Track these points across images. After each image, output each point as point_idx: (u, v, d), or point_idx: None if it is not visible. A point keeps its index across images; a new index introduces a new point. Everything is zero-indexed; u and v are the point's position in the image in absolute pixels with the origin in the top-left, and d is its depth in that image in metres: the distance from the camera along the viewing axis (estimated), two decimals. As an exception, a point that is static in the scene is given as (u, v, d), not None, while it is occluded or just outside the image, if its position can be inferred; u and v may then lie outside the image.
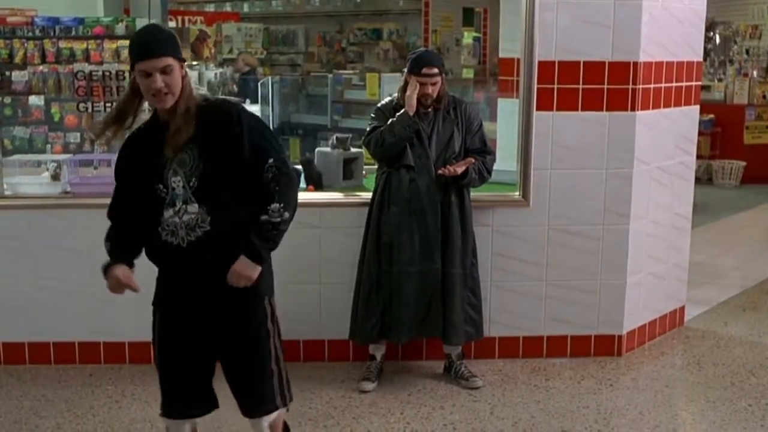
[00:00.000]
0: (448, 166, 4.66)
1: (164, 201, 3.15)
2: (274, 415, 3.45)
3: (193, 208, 3.14)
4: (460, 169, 4.66)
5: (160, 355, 3.37)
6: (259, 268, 3.18)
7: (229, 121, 3.15)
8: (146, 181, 3.18)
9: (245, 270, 3.16)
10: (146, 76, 3.03)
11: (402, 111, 4.68)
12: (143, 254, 3.35)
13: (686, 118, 5.67)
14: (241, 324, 3.30)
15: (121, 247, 3.32)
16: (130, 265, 3.33)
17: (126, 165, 3.28)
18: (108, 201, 5.02)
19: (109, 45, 6.76)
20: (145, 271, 3.38)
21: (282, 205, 3.14)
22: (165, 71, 3.04)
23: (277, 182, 3.15)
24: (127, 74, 6.48)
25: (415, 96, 4.66)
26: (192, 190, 3.13)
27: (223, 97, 3.19)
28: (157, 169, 3.15)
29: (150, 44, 3.06)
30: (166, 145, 3.11)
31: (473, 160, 4.72)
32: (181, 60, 3.14)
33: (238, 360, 3.34)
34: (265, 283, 3.31)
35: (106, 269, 3.33)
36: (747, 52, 13.22)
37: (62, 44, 6.76)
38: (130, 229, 3.31)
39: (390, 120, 4.71)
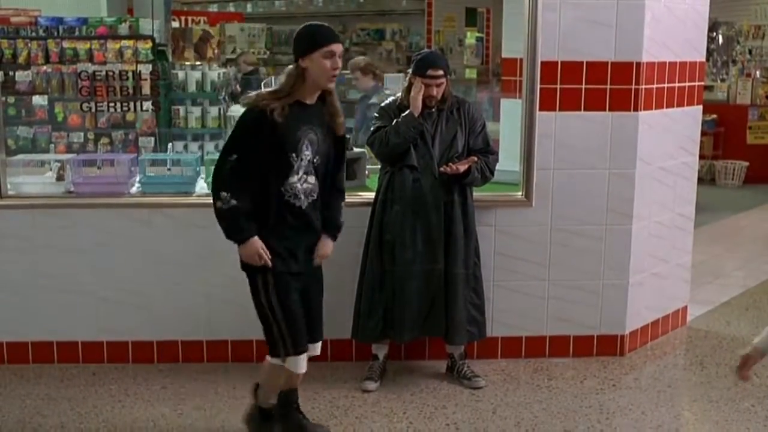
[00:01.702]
0: (450, 164, 4.67)
1: (292, 168, 3.80)
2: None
3: (312, 179, 3.87)
4: (462, 168, 4.66)
5: (284, 302, 3.91)
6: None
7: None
8: (279, 149, 3.78)
9: (328, 246, 4.08)
10: (331, 56, 3.75)
11: (407, 111, 4.69)
12: None
13: (689, 119, 5.67)
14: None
15: (250, 218, 3.84)
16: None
17: (262, 136, 3.76)
18: (111, 201, 5.06)
19: (112, 45, 6.78)
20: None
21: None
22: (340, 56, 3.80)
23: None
24: (130, 74, 6.50)
25: (420, 97, 4.66)
26: (314, 165, 3.86)
27: None
28: (294, 141, 3.78)
29: (331, 31, 3.88)
30: (328, 120, 3.91)
31: (476, 159, 4.73)
32: None
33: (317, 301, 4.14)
34: None
35: (242, 240, 3.84)
36: (750, 52, 13.22)
37: (66, 44, 6.78)
38: (248, 199, 3.82)
39: (395, 120, 4.71)
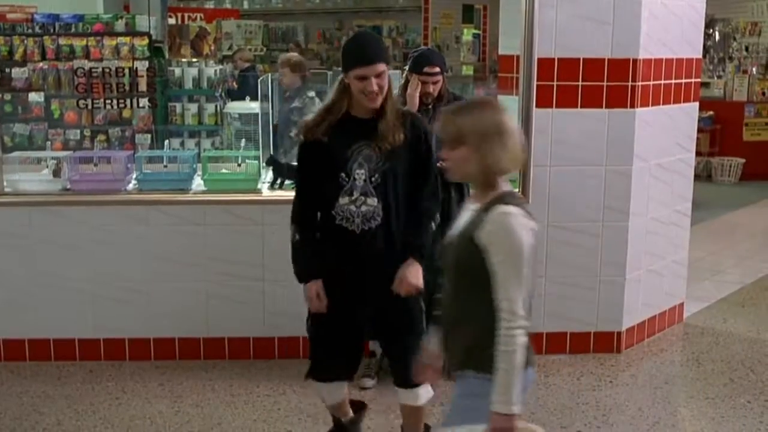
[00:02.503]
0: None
1: (342, 188, 3.49)
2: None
3: (372, 201, 3.49)
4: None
5: (314, 329, 3.71)
6: (420, 269, 3.59)
7: (419, 133, 3.59)
8: (330, 169, 3.50)
9: (413, 272, 3.56)
10: (363, 79, 3.41)
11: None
12: None
13: (685, 115, 5.68)
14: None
15: (314, 256, 3.61)
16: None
17: (316, 160, 3.56)
18: (107, 198, 5.06)
19: (108, 42, 6.78)
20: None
21: (436, 213, 3.69)
22: (379, 76, 3.43)
23: (435, 197, 3.68)
24: (126, 71, 6.50)
25: (417, 94, 4.67)
26: (373, 185, 3.49)
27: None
28: (343, 159, 3.48)
29: (369, 50, 3.49)
30: (375, 139, 3.48)
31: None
32: (389, 62, 3.57)
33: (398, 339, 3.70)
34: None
35: (299, 280, 3.64)
36: (746, 49, 13.22)
37: (62, 41, 6.78)
38: (315, 230, 3.61)
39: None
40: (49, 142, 6.50)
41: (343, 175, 3.48)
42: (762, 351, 5.52)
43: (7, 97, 6.52)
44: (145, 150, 6.33)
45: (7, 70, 6.63)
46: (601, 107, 5.11)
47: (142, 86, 6.58)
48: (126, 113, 6.70)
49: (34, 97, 6.64)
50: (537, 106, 5.07)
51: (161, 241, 5.08)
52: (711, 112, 12.19)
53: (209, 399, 4.71)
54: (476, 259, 2.65)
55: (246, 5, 16.46)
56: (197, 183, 5.27)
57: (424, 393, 3.74)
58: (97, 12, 7.98)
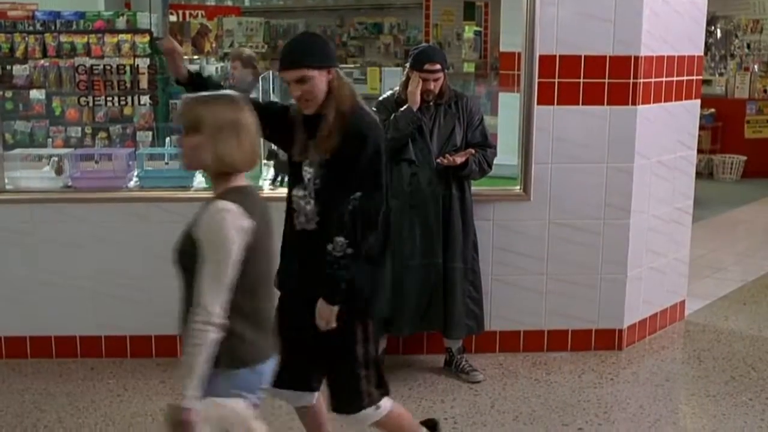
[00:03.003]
0: (447, 156, 4.67)
1: (302, 180, 3.31)
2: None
3: (311, 203, 3.29)
4: (459, 160, 4.66)
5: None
6: (333, 310, 3.25)
7: (359, 141, 3.21)
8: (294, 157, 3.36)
9: (321, 312, 3.28)
10: (287, 83, 3.27)
11: (406, 106, 4.68)
12: None
13: (687, 113, 5.67)
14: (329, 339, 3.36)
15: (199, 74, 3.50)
16: (192, 79, 3.46)
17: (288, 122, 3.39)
18: (109, 195, 5.06)
19: (110, 39, 6.76)
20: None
21: (347, 241, 3.17)
22: (300, 81, 3.21)
23: (353, 217, 3.19)
24: (128, 68, 6.50)
25: (418, 92, 4.66)
26: (315, 188, 3.28)
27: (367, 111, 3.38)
28: (303, 152, 3.32)
29: (292, 54, 3.27)
30: (313, 145, 3.27)
31: (473, 152, 4.72)
32: (321, 67, 3.22)
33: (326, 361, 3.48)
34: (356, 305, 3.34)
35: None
36: (748, 46, 13.20)
37: (63, 38, 6.76)
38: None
39: (393, 115, 4.71)
40: (50, 140, 6.49)
41: (305, 166, 3.32)
42: (763, 348, 5.51)
43: (8, 94, 6.50)
44: (147, 147, 6.32)
45: (9, 67, 6.61)
46: (603, 104, 5.11)
47: (144, 83, 6.57)
48: (127, 110, 6.69)
49: (35, 94, 6.63)
50: (538, 104, 5.07)
51: (162, 238, 5.04)
52: (712, 110, 12.18)
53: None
54: (193, 253, 2.67)
55: (247, 2, 16.43)
56: (199, 180, 5.27)
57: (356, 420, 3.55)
58: (98, 9, 7.97)
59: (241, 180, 2.78)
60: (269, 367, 2.84)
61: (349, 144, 3.20)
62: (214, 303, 2.60)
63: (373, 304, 3.45)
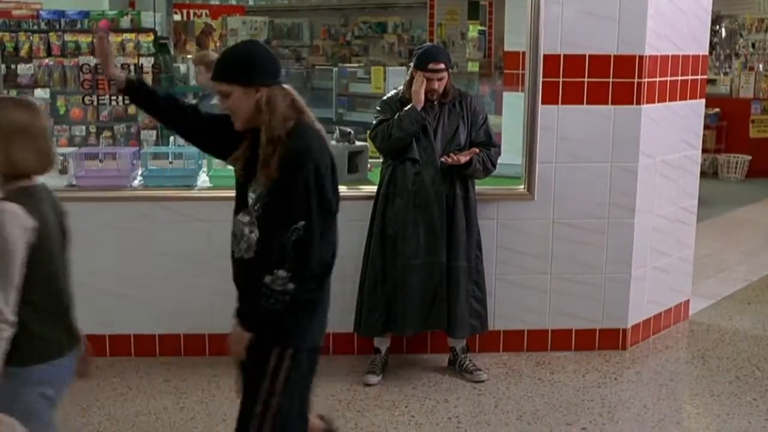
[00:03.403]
0: (451, 155, 4.67)
1: (247, 204, 3.02)
2: None
3: (254, 231, 3.01)
4: (464, 159, 4.66)
5: None
6: (245, 337, 2.99)
7: (293, 168, 2.92)
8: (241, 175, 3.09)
9: (233, 338, 3.03)
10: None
11: (409, 106, 4.68)
12: None
13: (692, 112, 5.66)
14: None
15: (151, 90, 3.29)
16: (132, 85, 3.26)
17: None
18: (113, 194, 5.06)
19: (114, 38, 6.77)
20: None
21: (290, 275, 2.89)
22: (225, 96, 2.99)
23: (295, 249, 2.90)
24: (132, 67, 6.51)
25: (422, 91, 4.66)
26: (255, 215, 3.00)
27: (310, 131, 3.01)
28: (251, 173, 3.03)
29: (216, 65, 3.04)
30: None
31: (478, 151, 4.72)
32: (247, 84, 2.94)
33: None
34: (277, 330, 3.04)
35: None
36: (753, 45, 13.19)
37: (67, 37, 6.78)
38: (180, 111, 3.25)
39: (397, 114, 4.71)
40: (54, 139, 6.51)
41: (250, 190, 3.02)
42: (768, 348, 5.52)
43: (13, 93, 6.52)
44: (151, 146, 6.34)
45: (13, 66, 6.63)
46: (607, 104, 5.10)
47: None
48: (131, 110, 6.71)
49: (39, 93, 6.65)
50: (543, 103, 5.06)
51: (166, 237, 5.08)
52: (717, 109, 12.16)
53: (214, 395, 4.72)
54: None
55: (251, 1, 16.45)
56: (202, 179, 5.27)
57: None
58: (102, 8, 8.00)
59: (33, 180, 2.82)
60: (68, 361, 2.93)
61: (283, 170, 2.90)
62: (5, 302, 2.65)
63: (298, 333, 3.08)
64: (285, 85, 3.03)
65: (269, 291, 2.89)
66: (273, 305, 2.92)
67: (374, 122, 4.84)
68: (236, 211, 3.09)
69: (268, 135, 2.93)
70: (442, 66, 4.67)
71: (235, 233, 3.08)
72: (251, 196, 3.00)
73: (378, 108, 4.91)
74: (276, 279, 2.88)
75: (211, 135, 3.25)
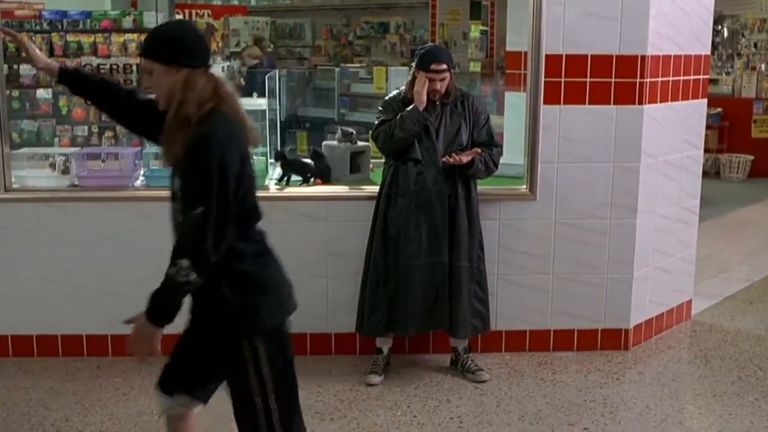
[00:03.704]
0: (453, 155, 4.67)
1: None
2: None
3: (177, 217, 2.99)
4: (465, 159, 4.66)
5: None
6: (153, 332, 2.99)
7: (195, 152, 2.83)
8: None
9: (136, 332, 3.01)
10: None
11: (412, 106, 4.68)
12: None
13: (694, 112, 5.66)
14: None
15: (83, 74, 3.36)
16: (65, 72, 3.38)
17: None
18: (115, 194, 5.07)
19: (116, 38, 6.79)
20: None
21: (191, 264, 2.82)
22: (147, 71, 2.97)
23: (193, 236, 2.84)
24: (134, 67, 6.51)
25: (424, 91, 4.66)
26: (179, 201, 2.96)
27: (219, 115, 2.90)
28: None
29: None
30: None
31: (479, 151, 4.72)
32: (167, 62, 2.91)
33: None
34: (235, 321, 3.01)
35: None
36: (755, 45, 13.17)
37: (70, 38, 6.79)
38: (112, 93, 3.34)
39: (399, 114, 4.71)
40: (56, 139, 6.51)
41: (176, 177, 2.97)
42: (770, 348, 5.51)
43: (15, 93, 6.52)
44: (153, 146, 6.33)
45: (15, 66, 6.63)
46: (609, 104, 5.10)
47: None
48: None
49: (41, 93, 6.65)
50: (544, 103, 5.06)
51: (168, 237, 5.06)
52: (719, 109, 12.15)
53: (218, 395, 4.71)
54: None
55: (253, 2, 16.46)
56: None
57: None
58: (104, 9, 8.00)
59: None
60: None
61: (186, 155, 2.83)
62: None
63: (255, 318, 3.04)
64: (214, 72, 2.99)
65: (172, 282, 2.86)
66: (175, 297, 2.91)
67: (376, 122, 4.84)
68: (171, 199, 3.06)
69: (178, 112, 2.88)
70: (444, 66, 4.67)
71: (173, 222, 3.06)
72: (176, 182, 2.96)
73: (380, 108, 4.91)
74: (179, 269, 2.83)
75: (142, 117, 3.23)
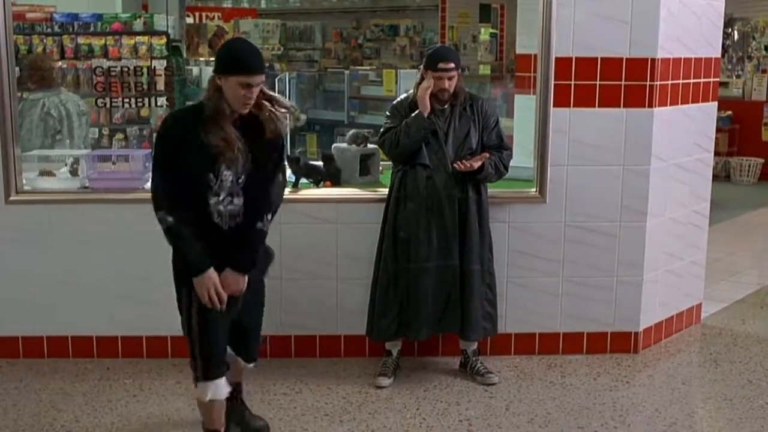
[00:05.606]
0: (463, 161, 4.66)
1: (211, 189, 3.62)
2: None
3: (239, 200, 3.66)
4: (476, 164, 4.66)
5: (203, 322, 3.73)
6: (244, 279, 3.77)
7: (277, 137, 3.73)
8: (197, 168, 3.61)
9: (233, 280, 3.73)
10: (247, 87, 3.52)
11: (416, 112, 4.67)
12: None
13: (704, 115, 5.65)
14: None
15: (198, 244, 3.68)
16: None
17: (179, 148, 3.63)
18: (125, 196, 5.08)
19: (127, 41, 6.81)
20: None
21: (272, 218, 3.81)
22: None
23: (280, 196, 3.90)
24: (145, 70, 6.53)
25: (428, 95, 4.65)
26: (240, 186, 3.66)
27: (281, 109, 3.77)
28: (209, 159, 3.58)
29: (255, 59, 3.59)
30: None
31: (489, 155, 4.72)
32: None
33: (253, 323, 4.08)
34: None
35: (197, 272, 3.67)
36: (765, 48, 13.13)
37: (81, 40, 6.82)
38: (191, 220, 3.69)
39: (405, 120, 4.70)
40: (67, 141, 6.53)
41: (211, 175, 3.62)
42: (780, 352, 5.49)
43: (26, 96, 6.55)
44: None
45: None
46: (619, 107, 5.09)
47: (160, 85, 6.61)
48: (144, 112, 6.74)
49: (52, 96, 6.66)
50: (554, 106, 5.06)
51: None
52: (729, 112, 12.13)
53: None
54: None
55: (263, 4, 16.47)
56: (214, 181, 5.27)
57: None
58: (115, 11, 8.02)
59: None
60: None
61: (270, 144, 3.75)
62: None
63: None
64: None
65: (264, 234, 3.77)
66: (263, 245, 3.84)
67: (382, 129, 4.84)
68: (213, 193, 3.71)
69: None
70: (452, 65, 4.66)
71: (219, 214, 3.73)
72: (227, 176, 3.69)
73: (387, 113, 4.89)
74: (266, 223, 3.75)
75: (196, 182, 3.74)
